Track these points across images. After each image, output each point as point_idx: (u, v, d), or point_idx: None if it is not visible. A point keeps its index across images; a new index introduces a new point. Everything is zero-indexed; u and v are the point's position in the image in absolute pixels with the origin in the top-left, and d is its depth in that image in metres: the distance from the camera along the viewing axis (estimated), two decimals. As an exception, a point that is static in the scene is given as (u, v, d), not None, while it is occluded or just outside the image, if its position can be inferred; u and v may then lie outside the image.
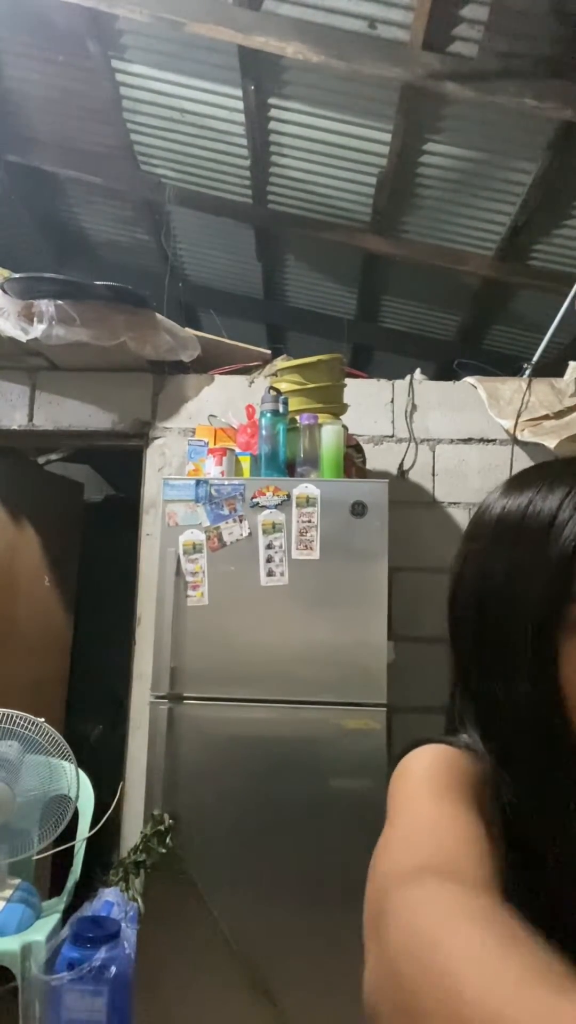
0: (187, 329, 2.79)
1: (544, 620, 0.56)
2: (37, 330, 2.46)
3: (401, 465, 2.79)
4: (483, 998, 0.34)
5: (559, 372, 2.84)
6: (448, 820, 0.53)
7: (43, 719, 2.28)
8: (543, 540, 0.57)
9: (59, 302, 2.46)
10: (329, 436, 2.27)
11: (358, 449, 2.53)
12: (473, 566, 0.65)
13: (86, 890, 2.17)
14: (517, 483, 0.65)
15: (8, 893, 2.15)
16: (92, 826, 2.29)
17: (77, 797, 2.29)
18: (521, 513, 0.60)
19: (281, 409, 2.28)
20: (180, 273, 4.18)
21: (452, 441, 2.81)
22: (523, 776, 0.58)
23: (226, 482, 2.21)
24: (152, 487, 2.79)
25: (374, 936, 0.44)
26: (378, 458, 2.77)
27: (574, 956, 0.37)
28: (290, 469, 2.30)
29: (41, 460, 3.57)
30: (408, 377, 2.89)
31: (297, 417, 2.31)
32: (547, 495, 0.59)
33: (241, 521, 2.16)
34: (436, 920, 0.41)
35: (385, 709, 2.06)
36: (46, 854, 2.37)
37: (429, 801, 0.56)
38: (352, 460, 2.40)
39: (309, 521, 2.14)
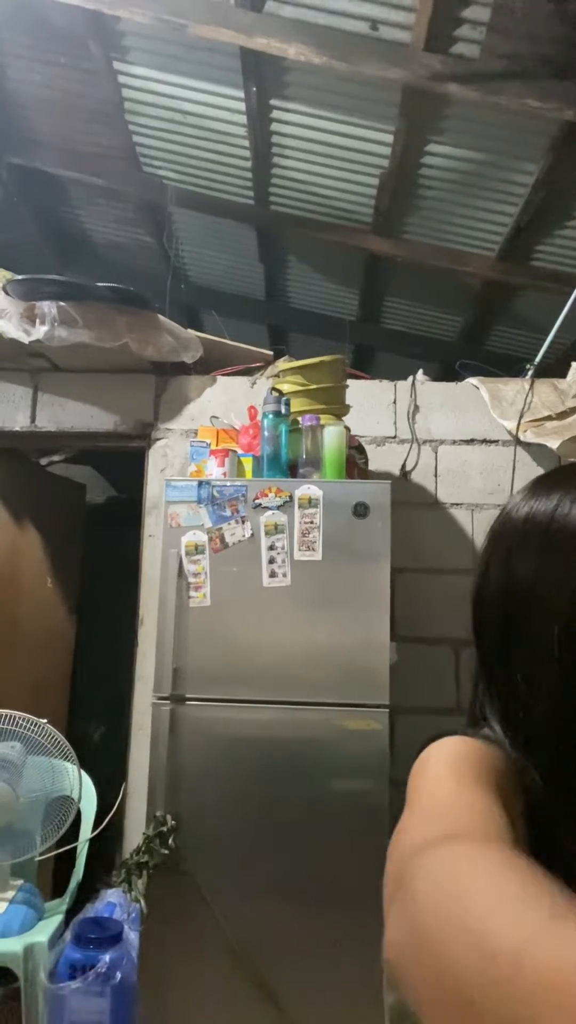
0: (189, 330, 2.80)
1: (572, 621, 0.57)
2: (39, 331, 2.46)
3: (403, 466, 2.79)
4: (511, 935, 0.36)
5: (562, 373, 2.84)
6: (467, 801, 0.54)
7: (45, 720, 2.28)
8: (572, 543, 0.58)
9: (61, 303, 2.47)
10: (331, 437, 2.27)
11: (360, 450, 2.53)
12: (499, 567, 0.65)
13: (89, 891, 2.18)
14: (544, 485, 0.65)
15: (11, 894, 2.15)
16: (94, 827, 2.29)
17: (79, 798, 2.29)
18: (549, 515, 0.61)
19: (283, 410, 2.28)
20: (182, 274, 4.19)
21: (454, 442, 2.81)
22: (548, 769, 0.59)
23: (228, 483, 2.21)
24: (154, 488, 2.79)
25: (397, 898, 0.45)
26: (380, 459, 2.77)
27: None
28: (292, 470, 2.30)
29: (43, 461, 3.57)
30: (410, 378, 2.89)
31: (299, 418, 2.31)
32: None
33: (243, 522, 2.16)
34: (459, 871, 0.42)
35: (387, 710, 2.05)
36: (49, 855, 2.37)
37: (449, 785, 0.57)
38: (354, 461, 2.40)
39: (311, 522, 2.14)
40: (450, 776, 0.58)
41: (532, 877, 0.40)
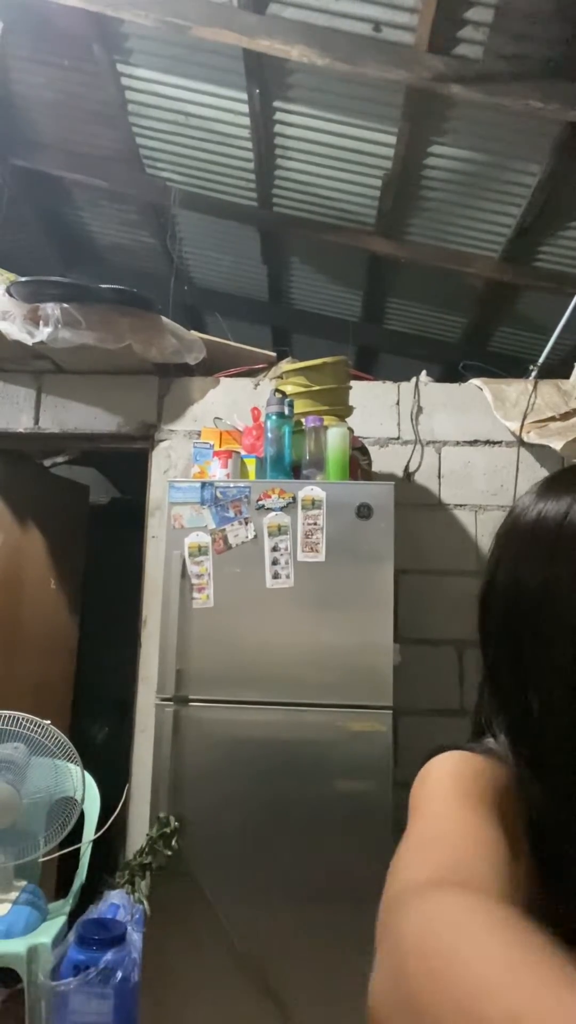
0: (192, 332, 2.80)
1: None
2: (43, 333, 2.47)
3: (407, 467, 2.78)
4: (502, 997, 0.34)
5: (565, 374, 2.84)
6: (465, 827, 0.52)
7: (49, 721, 2.28)
8: None
9: (65, 305, 2.47)
10: (334, 438, 2.27)
11: (364, 451, 2.53)
12: (507, 572, 0.62)
13: (92, 892, 2.18)
14: (554, 486, 0.61)
15: (14, 895, 2.16)
16: (98, 828, 2.30)
17: (83, 799, 2.29)
18: (559, 520, 0.58)
19: (286, 411, 2.28)
20: (185, 276, 4.19)
21: (458, 443, 2.81)
22: (554, 783, 0.57)
23: (231, 484, 2.21)
24: (158, 489, 2.79)
25: (384, 943, 0.43)
26: (384, 460, 2.77)
27: None
28: (295, 471, 2.30)
29: (47, 463, 3.58)
30: (413, 379, 2.89)
31: (302, 419, 2.31)
32: None
33: (246, 523, 2.16)
34: (448, 926, 0.40)
35: (391, 712, 2.05)
36: (52, 856, 2.37)
37: (448, 808, 0.56)
38: (358, 462, 2.40)
39: (315, 523, 2.14)
40: (449, 799, 0.57)
41: (524, 938, 0.38)
